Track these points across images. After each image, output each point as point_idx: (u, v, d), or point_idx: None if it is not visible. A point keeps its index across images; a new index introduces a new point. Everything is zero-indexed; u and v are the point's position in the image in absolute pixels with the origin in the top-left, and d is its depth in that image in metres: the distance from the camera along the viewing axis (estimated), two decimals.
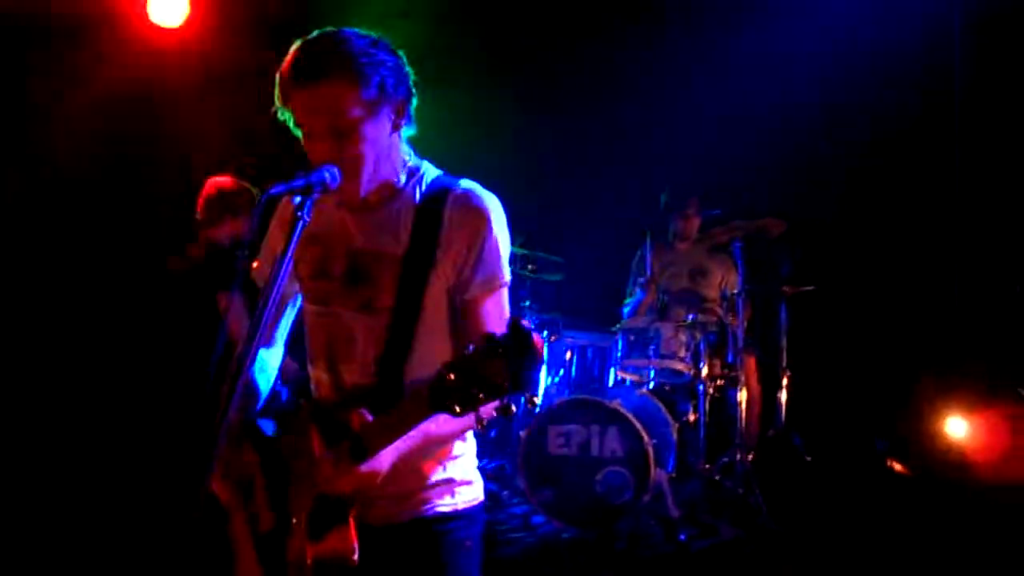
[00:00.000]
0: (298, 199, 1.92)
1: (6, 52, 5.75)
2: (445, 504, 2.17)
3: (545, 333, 6.02)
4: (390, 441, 1.88)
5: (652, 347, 5.61)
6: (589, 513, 5.08)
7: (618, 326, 5.83)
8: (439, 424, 1.96)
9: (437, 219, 2.09)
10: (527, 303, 6.21)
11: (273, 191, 1.87)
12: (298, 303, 2.37)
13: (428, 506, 2.16)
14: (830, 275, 6.19)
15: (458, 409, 1.69)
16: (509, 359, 1.63)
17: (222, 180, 4.30)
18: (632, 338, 5.71)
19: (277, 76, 2.06)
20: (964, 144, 6.34)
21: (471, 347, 1.68)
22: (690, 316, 5.67)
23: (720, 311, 5.94)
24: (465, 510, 2.20)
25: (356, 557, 1.98)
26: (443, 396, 1.71)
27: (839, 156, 6.61)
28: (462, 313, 2.12)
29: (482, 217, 2.10)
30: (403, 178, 2.18)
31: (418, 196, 2.15)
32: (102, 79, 5.97)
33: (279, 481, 2.12)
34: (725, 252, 6.05)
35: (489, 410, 1.90)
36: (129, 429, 5.16)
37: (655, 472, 5.01)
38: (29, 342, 5.68)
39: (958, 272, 6.27)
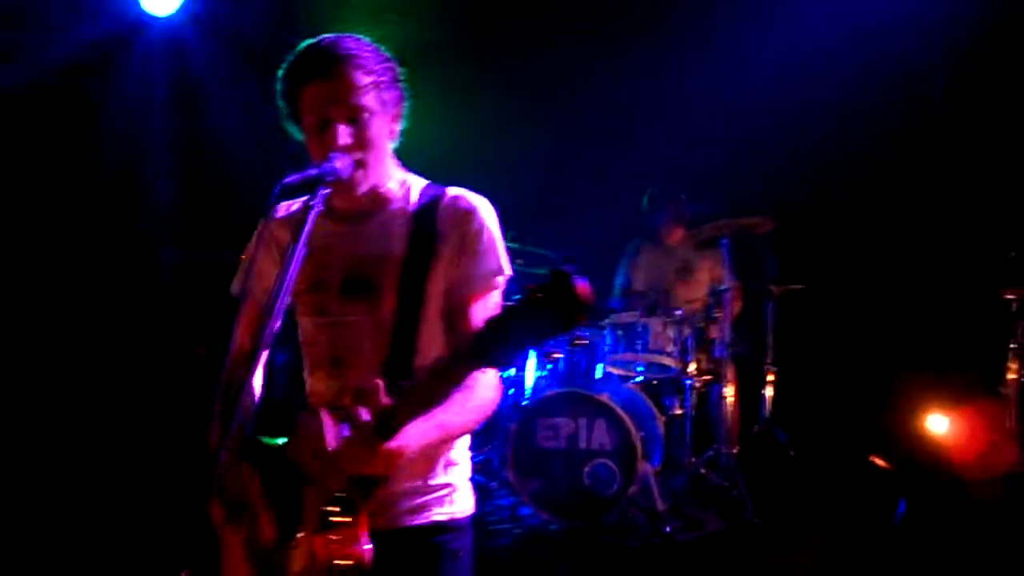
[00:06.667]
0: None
1: None
2: (443, 512, 2.17)
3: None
4: (422, 408, 1.81)
5: (640, 342, 5.68)
6: (576, 505, 5.13)
7: (606, 321, 5.88)
8: (456, 412, 1.96)
9: (432, 221, 2.16)
10: (516, 297, 6.23)
11: (287, 180, 1.91)
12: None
13: (425, 514, 2.15)
14: (816, 274, 6.29)
15: (501, 358, 1.65)
16: (552, 305, 1.57)
17: None
18: (620, 333, 5.77)
19: (283, 75, 2.14)
20: (946, 146, 6.44)
21: (516, 298, 1.65)
22: (678, 312, 5.73)
23: (706, 307, 5.99)
24: (461, 520, 2.21)
25: (370, 560, 1.92)
26: (485, 347, 1.66)
27: (826, 157, 6.69)
28: (457, 310, 2.13)
29: (473, 214, 2.16)
30: (394, 187, 2.25)
31: (411, 203, 2.22)
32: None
33: (285, 491, 2.07)
34: (714, 248, 6.12)
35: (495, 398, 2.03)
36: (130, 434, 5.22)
37: (642, 465, 5.07)
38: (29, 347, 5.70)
39: (939, 272, 6.37)
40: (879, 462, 5.84)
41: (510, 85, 7.05)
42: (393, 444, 1.81)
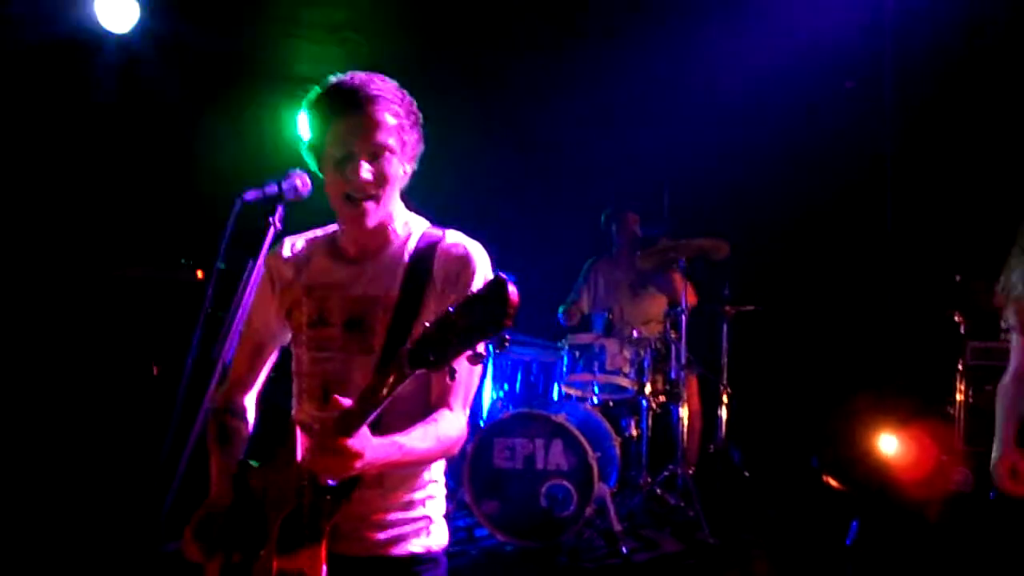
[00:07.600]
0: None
1: None
2: (419, 544, 2.21)
3: (490, 347, 6.05)
4: (372, 408, 1.89)
5: (597, 363, 5.70)
6: (533, 526, 5.13)
7: (563, 342, 5.90)
8: (417, 439, 2.04)
9: (427, 265, 2.21)
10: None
11: (247, 197, 1.92)
12: (275, 355, 2.44)
13: (403, 544, 2.19)
14: (770, 296, 6.38)
15: (433, 359, 1.73)
16: (484, 307, 1.68)
17: None
18: (577, 354, 5.79)
19: (312, 107, 2.17)
20: (896, 174, 6.58)
21: (451, 305, 1.74)
22: (635, 332, 5.77)
23: (663, 328, 6.04)
24: (436, 552, 2.25)
25: None
26: (420, 350, 1.75)
27: (779, 181, 6.80)
28: None
29: (466, 263, 2.21)
30: (398, 228, 2.29)
31: (411, 247, 2.27)
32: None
33: (253, 510, 2.13)
34: (671, 269, 6.18)
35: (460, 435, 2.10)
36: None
37: (598, 486, 5.08)
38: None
39: (890, 294, 6.49)
40: (832, 482, 5.91)
41: (463, 104, 7.07)
42: (351, 442, 1.87)
